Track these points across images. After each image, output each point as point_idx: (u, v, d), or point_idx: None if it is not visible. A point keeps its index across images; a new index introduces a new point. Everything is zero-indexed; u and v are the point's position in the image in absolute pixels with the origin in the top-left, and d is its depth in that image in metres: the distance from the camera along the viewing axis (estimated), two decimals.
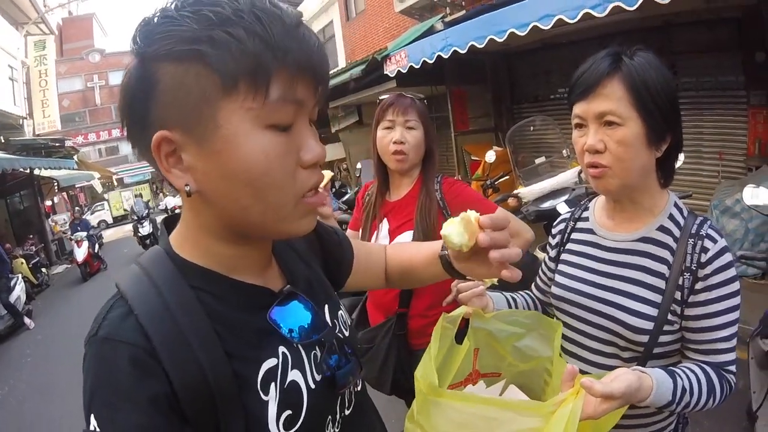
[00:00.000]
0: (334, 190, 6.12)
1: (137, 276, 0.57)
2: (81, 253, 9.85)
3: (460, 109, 7.23)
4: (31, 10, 14.70)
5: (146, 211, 11.76)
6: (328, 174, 1.35)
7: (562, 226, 1.16)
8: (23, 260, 9.11)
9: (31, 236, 11.77)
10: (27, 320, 7.18)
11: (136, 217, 11.67)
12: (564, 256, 1.12)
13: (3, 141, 12.04)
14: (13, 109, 13.11)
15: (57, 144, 13.80)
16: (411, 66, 5.50)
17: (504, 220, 0.65)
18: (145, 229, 11.31)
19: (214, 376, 0.52)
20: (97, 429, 0.48)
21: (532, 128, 4.83)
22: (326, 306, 0.72)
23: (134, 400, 0.48)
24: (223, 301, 0.58)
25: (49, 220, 13.99)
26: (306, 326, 0.65)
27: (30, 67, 15.05)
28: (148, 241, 11.10)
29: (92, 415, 0.49)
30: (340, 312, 0.75)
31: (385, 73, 6.06)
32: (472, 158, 6.88)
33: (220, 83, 0.49)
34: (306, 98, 0.54)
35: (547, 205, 3.26)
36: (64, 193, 16.86)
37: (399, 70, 5.75)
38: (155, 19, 0.50)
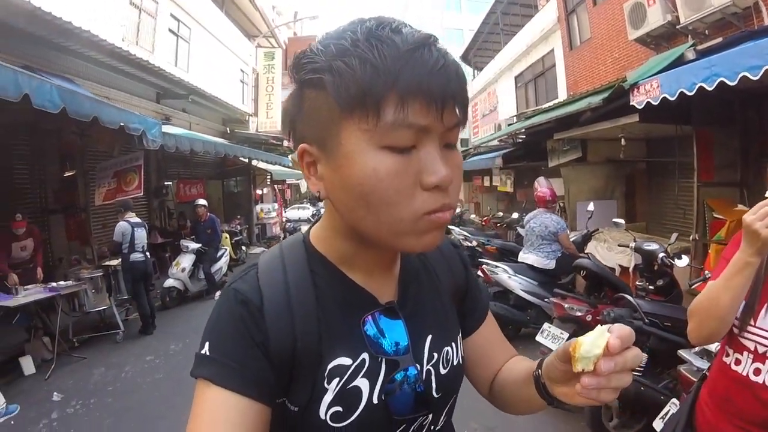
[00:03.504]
0: None
1: (274, 254, 0.69)
2: None
3: (706, 155, 5.96)
4: (262, 25, 17.00)
5: None
6: None
7: None
8: (227, 235, 10.12)
9: (239, 217, 13.27)
10: (218, 293, 7.71)
11: None
12: None
13: (229, 132, 13.92)
14: (241, 107, 15.12)
15: (276, 142, 15.47)
16: (664, 97, 4.57)
17: (631, 337, 0.54)
18: None
19: (301, 349, 0.62)
20: (208, 352, 0.61)
21: None
22: (429, 336, 0.72)
23: (238, 333, 0.61)
24: (332, 289, 0.66)
25: (257, 207, 15.70)
26: (390, 345, 0.68)
27: (259, 74, 17.29)
28: None
29: (207, 342, 0.62)
30: (447, 349, 0.74)
31: (631, 103, 5.18)
32: (714, 216, 5.68)
33: (338, 107, 0.54)
34: (426, 121, 0.54)
35: None
36: (275, 186, 18.80)
37: (649, 102, 4.84)
38: (305, 52, 0.59)
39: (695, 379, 2.08)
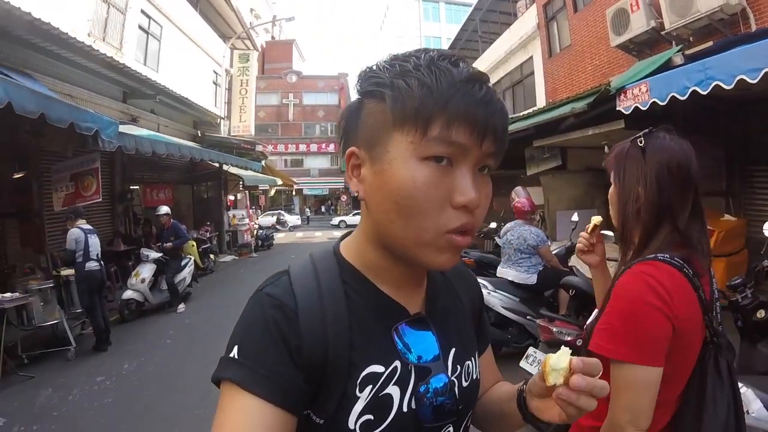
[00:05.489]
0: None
1: (306, 263, 0.70)
2: None
3: None
4: (237, 26, 16.48)
5: None
6: (595, 218, 1.27)
7: None
8: (194, 243, 9.60)
9: (209, 223, 12.72)
10: (181, 305, 7.24)
11: None
12: None
13: (200, 135, 13.39)
14: (213, 109, 14.61)
15: (248, 146, 15.00)
16: (654, 102, 4.34)
17: (597, 367, 0.58)
18: None
19: (333, 355, 0.62)
20: (236, 356, 0.60)
21: None
22: (453, 349, 0.74)
23: (271, 337, 0.60)
24: (363, 299, 0.67)
25: (229, 213, 15.17)
26: (418, 354, 0.68)
27: (233, 76, 16.81)
28: None
29: (236, 346, 0.61)
30: (468, 363, 0.76)
31: (617, 108, 4.93)
32: None
33: (392, 118, 0.59)
34: (466, 143, 0.58)
35: None
36: (248, 192, 18.34)
37: (637, 107, 4.58)
38: (371, 68, 0.65)
39: None
